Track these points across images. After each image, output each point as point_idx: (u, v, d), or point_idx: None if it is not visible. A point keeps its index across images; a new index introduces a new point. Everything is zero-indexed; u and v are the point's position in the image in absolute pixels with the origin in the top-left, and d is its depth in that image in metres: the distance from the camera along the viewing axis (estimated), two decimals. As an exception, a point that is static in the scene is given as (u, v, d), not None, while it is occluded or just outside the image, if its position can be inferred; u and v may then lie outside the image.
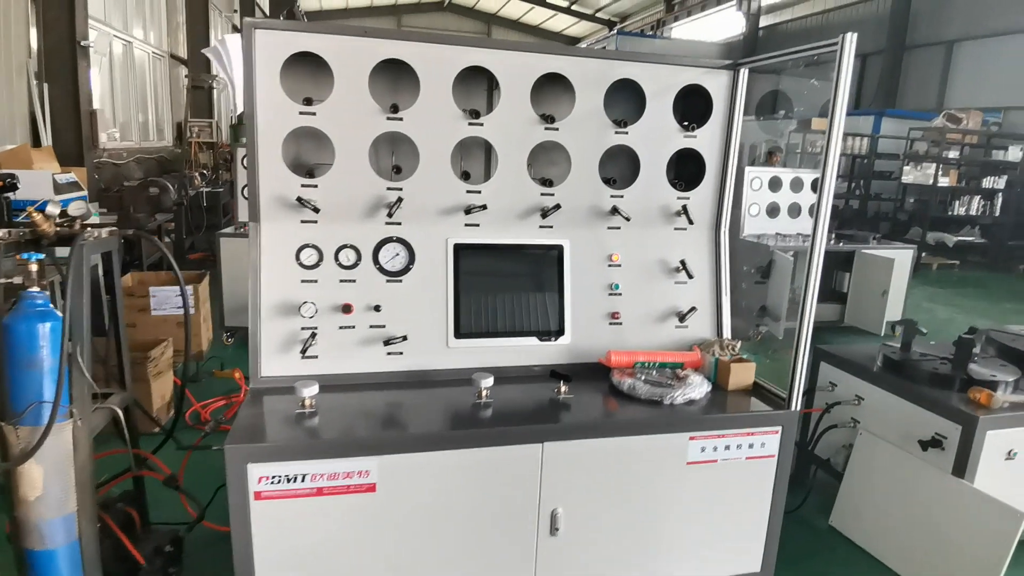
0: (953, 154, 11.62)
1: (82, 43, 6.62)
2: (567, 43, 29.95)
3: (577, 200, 2.77)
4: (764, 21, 22.91)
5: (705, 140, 2.86)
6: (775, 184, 6.92)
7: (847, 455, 3.35)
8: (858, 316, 6.72)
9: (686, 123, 2.82)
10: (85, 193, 6.75)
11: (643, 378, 2.59)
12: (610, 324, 2.81)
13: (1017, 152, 11.92)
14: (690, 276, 2.86)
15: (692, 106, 2.88)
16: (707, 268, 2.92)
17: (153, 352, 3.94)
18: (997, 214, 12.02)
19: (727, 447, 2.46)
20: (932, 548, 2.88)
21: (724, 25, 24.01)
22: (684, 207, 2.85)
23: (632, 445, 2.37)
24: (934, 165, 11.34)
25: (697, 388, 2.55)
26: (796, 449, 3.46)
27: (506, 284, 2.73)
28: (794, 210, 7.04)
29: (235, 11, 16.35)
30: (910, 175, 11.67)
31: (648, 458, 2.41)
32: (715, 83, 2.82)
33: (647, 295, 2.85)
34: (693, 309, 2.87)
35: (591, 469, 2.36)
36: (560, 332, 2.74)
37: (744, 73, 2.81)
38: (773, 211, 6.94)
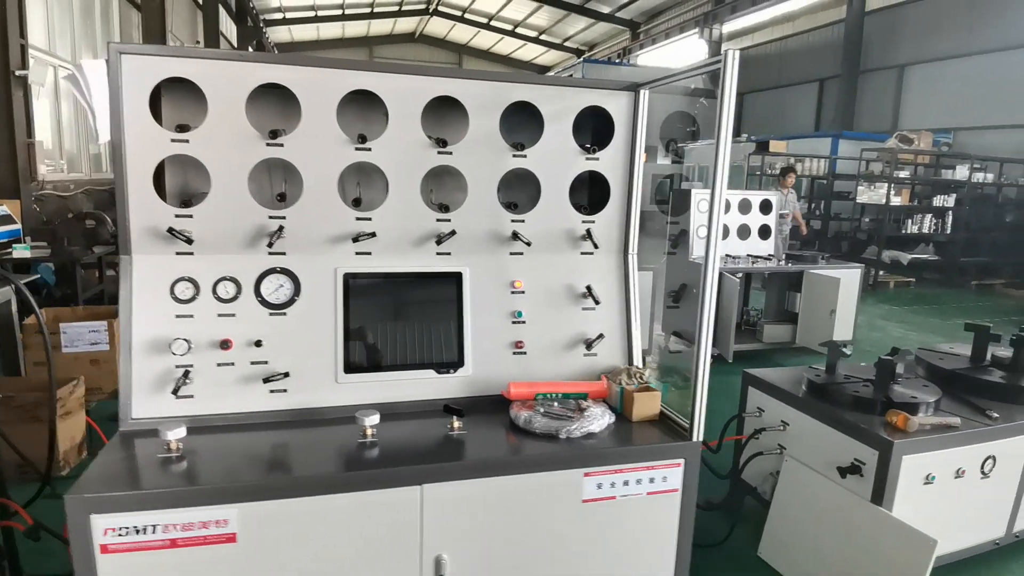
0: (904, 173, 11.76)
1: (17, 73, 6.45)
2: (537, 71, 30.27)
3: (476, 225, 2.65)
4: (726, 47, 23.27)
5: (608, 163, 2.77)
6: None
7: (774, 483, 3.23)
8: (808, 336, 6.66)
9: (587, 146, 2.72)
10: (18, 226, 6.54)
11: (542, 411, 2.45)
12: (514, 354, 2.68)
13: (965, 171, 12.09)
14: (597, 302, 2.74)
15: (598, 130, 2.80)
16: (615, 293, 2.81)
17: (60, 392, 3.74)
18: (949, 231, 12.15)
19: (626, 483, 2.32)
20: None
21: (688, 52, 24.39)
22: (588, 231, 2.74)
23: (523, 484, 2.22)
24: (886, 184, 11.46)
25: (597, 420, 2.42)
26: (729, 478, 3.33)
27: (400, 314, 2.59)
28: (744, 231, 7.02)
29: (197, 42, 16.25)
30: (864, 195, 11.78)
31: (541, 497, 2.26)
32: (616, 105, 2.73)
33: (553, 323, 2.73)
34: (601, 336, 2.75)
35: (478, 511, 2.20)
36: (459, 363, 2.60)
37: (645, 95, 2.72)
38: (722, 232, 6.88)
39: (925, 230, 12.15)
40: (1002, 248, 12.37)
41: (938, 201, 12.11)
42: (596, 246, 2.76)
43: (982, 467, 2.88)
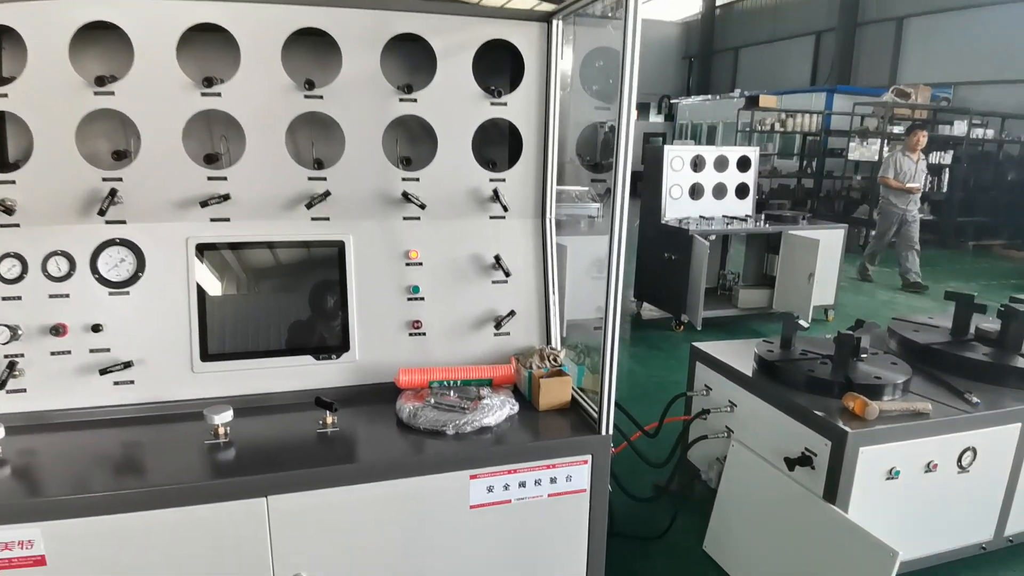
0: (899, 129, 11.20)
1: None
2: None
3: (359, 185, 2.24)
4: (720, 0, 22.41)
5: (518, 109, 2.34)
6: (698, 163, 6.42)
7: (720, 469, 2.87)
8: (786, 302, 6.26)
9: (492, 88, 2.29)
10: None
11: (433, 402, 2.07)
12: (411, 335, 2.29)
13: (963, 126, 11.52)
14: (507, 274, 2.34)
15: (509, 69, 2.37)
16: (531, 264, 2.41)
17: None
18: (945, 190, 11.63)
19: (522, 484, 1.96)
20: (802, 584, 2.41)
21: (682, 5, 23.50)
22: (496, 191, 2.33)
23: (395, 490, 1.86)
24: (879, 141, 10.91)
25: (495, 412, 2.04)
26: (663, 466, 2.97)
27: (269, 292, 2.20)
28: (719, 190, 6.56)
29: None
30: (856, 151, 11.24)
31: (420, 505, 1.89)
32: (525, 38, 2.29)
33: (456, 299, 2.33)
34: (512, 313, 2.35)
35: (340, 524, 1.84)
36: (344, 348, 2.22)
37: (559, 25, 2.28)
38: (696, 192, 6.45)
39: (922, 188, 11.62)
40: (1001, 207, 11.86)
41: (934, 158, 11.53)
42: (506, 209, 2.35)
43: (959, 460, 2.51)
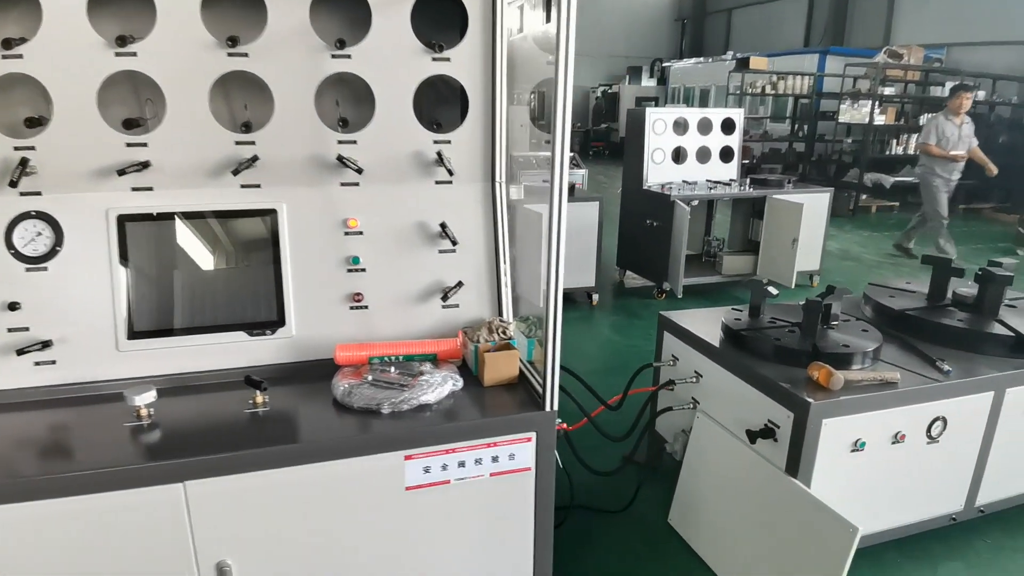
0: (891, 91, 10.96)
1: None
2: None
3: (291, 149, 2.09)
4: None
5: (463, 65, 2.18)
6: (681, 126, 6.24)
7: (686, 441, 2.78)
8: (770, 268, 6.14)
9: (434, 43, 2.13)
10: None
11: (371, 379, 1.96)
12: (351, 309, 2.17)
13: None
14: (454, 243, 2.21)
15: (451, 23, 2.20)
16: (481, 232, 2.27)
17: None
18: (936, 152, 11.40)
19: (461, 464, 1.85)
20: (764, 558, 2.33)
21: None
22: (440, 154, 2.18)
23: (325, 473, 1.75)
24: (870, 102, 10.67)
25: (436, 388, 1.93)
26: (639, 433, 2.87)
27: (198, 265, 2.06)
28: (703, 154, 6.39)
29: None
30: (846, 114, 11.01)
31: (352, 488, 1.79)
32: (467, -12, 2.13)
33: (400, 269, 2.20)
34: (459, 284, 2.23)
35: (268, 509, 1.74)
36: (279, 323, 2.10)
37: (504, -27, 2.11)
38: (679, 156, 6.28)
39: (911, 151, 11.41)
40: (992, 171, 11.64)
41: (924, 120, 11.32)
42: (451, 173, 2.21)
43: (928, 430, 2.41)
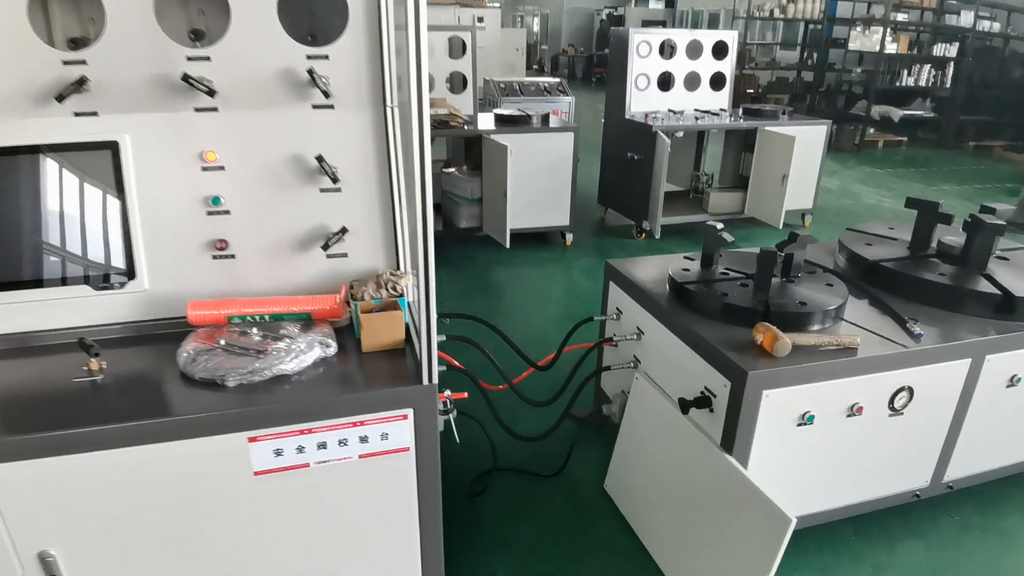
0: (903, 17, 10.16)
1: None
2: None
3: (130, 68, 1.71)
4: None
5: (341, -37, 1.77)
6: (668, 50, 5.70)
7: (624, 402, 2.49)
8: (758, 206, 5.72)
9: (300, -66, 1.72)
10: None
11: (223, 343, 1.66)
12: (215, 258, 1.84)
13: (970, 18, 10.42)
14: (334, 179, 1.85)
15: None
16: (371, 167, 1.91)
17: None
18: (948, 85, 10.68)
19: (321, 445, 1.57)
20: (695, 538, 2.07)
21: None
22: (312, 72, 1.79)
23: (157, 456, 1.47)
24: (882, 29, 9.90)
25: (298, 356, 1.62)
26: (549, 404, 2.57)
27: (30, 209, 1.72)
28: (692, 81, 5.87)
29: None
30: (857, 40, 10.24)
31: (191, 473, 1.51)
32: None
33: (273, 212, 1.86)
34: (343, 231, 1.89)
35: (92, 495, 1.47)
36: (129, 274, 1.78)
37: None
38: (665, 82, 5.77)
39: (923, 83, 10.70)
40: (1005, 107, 10.89)
41: (938, 50, 10.54)
42: (328, 95, 1.83)
43: (891, 402, 2.10)
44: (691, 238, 5.73)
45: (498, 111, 5.54)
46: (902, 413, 2.14)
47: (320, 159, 1.82)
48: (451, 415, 1.74)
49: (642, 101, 5.70)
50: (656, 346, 2.35)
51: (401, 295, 1.81)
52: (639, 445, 2.39)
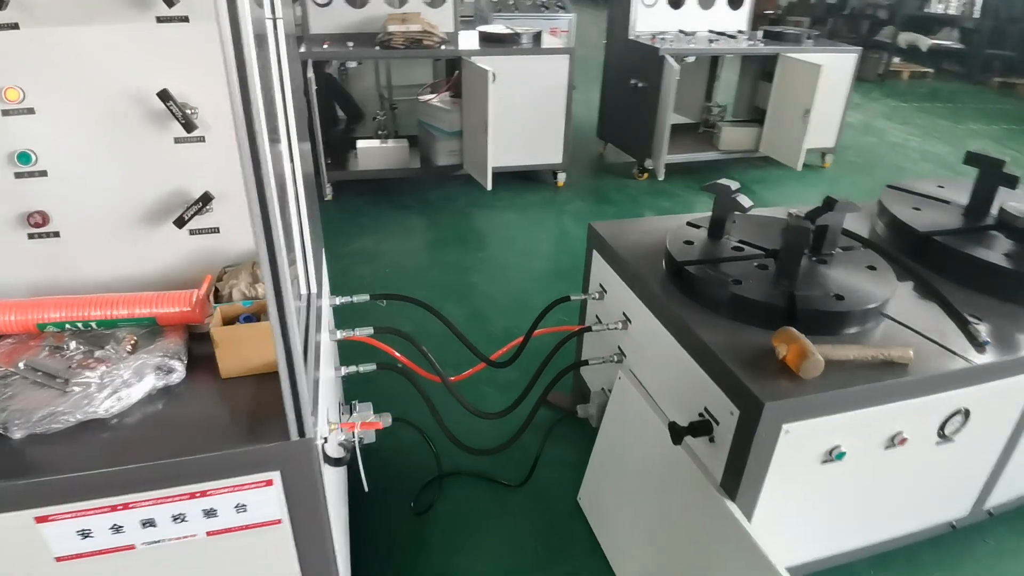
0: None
1: None
2: None
3: None
4: None
5: None
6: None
7: (603, 403, 2.00)
8: (775, 143, 5.06)
9: None
10: None
11: (23, 365, 1.15)
12: (31, 238, 1.31)
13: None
14: (187, 126, 1.29)
15: None
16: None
17: None
18: (977, 15, 9.62)
19: (146, 523, 1.08)
20: (681, 591, 1.62)
21: None
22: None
23: None
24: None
25: (118, 392, 1.12)
26: (507, 413, 2.06)
27: None
28: (707, -1, 5.10)
29: None
30: (887, -44, 9.15)
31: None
32: None
33: (110, 171, 1.31)
34: (206, 199, 1.34)
35: None
36: (-99, 259, 1.26)
37: None
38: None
39: (952, 11, 9.66)
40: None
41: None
42: (171, 3, 1.24)
43: (941, 428, 1.60)
44: (698, 178, 5.10)
45: (483, 29, 4.81)
46: (952, 440, 1.64)
47: (166, 96, 1.25)
48: (357, 448, 1.26)
49: (649, 19, 4.95)
50: (645, 341, 1.83)
51: (284, 293, 1.28)
52: (618, 458, 1.91)
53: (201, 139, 1.32)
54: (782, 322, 1.54)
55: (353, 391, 2.27)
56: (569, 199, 4.63)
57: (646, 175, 5.02)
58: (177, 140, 1.32)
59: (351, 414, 1.74)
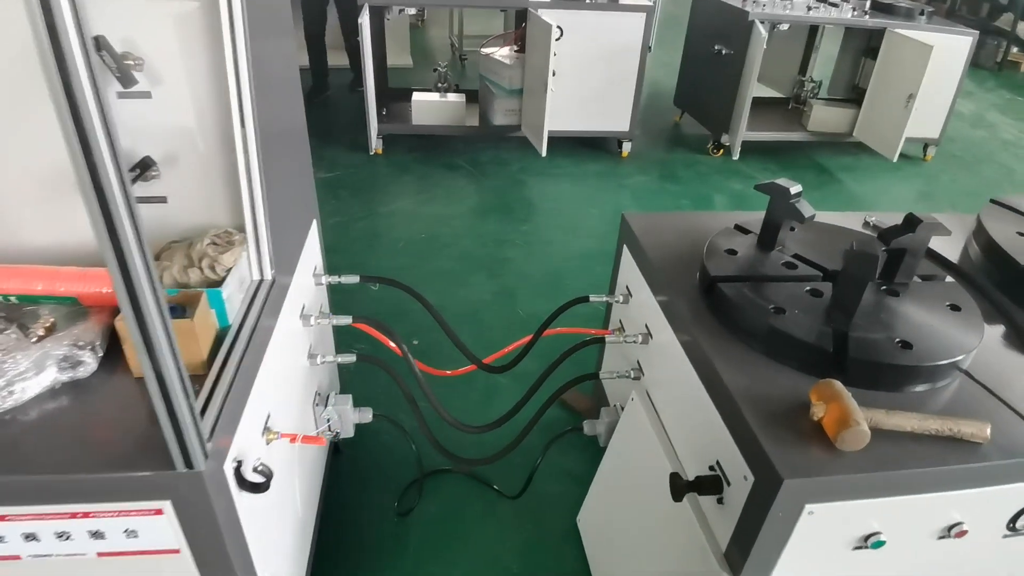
0: None
1: None
2: None
3: None
4: None
5: None
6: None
7: (613, 423, 1.75)
8: (871, 129, 4.50)
9: None
10: None
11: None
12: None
13: None
14: (125, 80, 1.10)
15: None
16: (197, 56, 1.14)
17: None
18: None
19: (30, 536, 0.94)
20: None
21: None
22: None
23: None
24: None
25: (12, 385, 0.97)
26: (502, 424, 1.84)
27: None
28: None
29: None
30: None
31: None
32: None
33: (34, 125, 1.14)
34: (144, 166, 1.16)
35: None
36: None
37: None
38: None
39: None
40: None
41: None
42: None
43: (1012, 520, 1.27)
44: (779, 160, 4.63)
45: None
46: (1021, 533, 1.32)
47: (98, 46, 1.06)
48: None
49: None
50: (664, 364, 1.56)
51: (221, 281, 1.10)
52: (622, 488, 1.68)
53: (147, 95, 1.13)
54: (827, 370, 1.25)
55: (352, 383, 2.11)
56: (631, 172, 4.28)
57: (721, 152, 4.58)
58: (120, 95, 1.13)
59: (325, 407, 1.58)
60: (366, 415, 1.65)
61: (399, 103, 4.41)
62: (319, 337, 1.66)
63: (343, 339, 1.93)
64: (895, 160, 4.30)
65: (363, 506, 1.87)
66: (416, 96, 4.24)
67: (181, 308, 1.06)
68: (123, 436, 0.95)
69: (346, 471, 1.96)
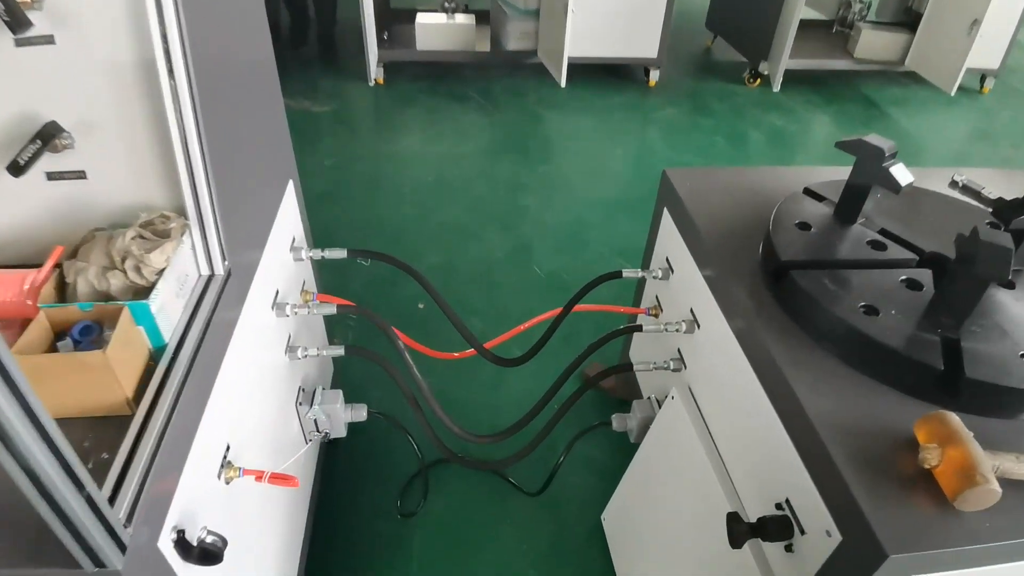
0: None
1: None
2: None
3: None
4: None
5: None
6: None
7: (647, 419, 1.51)
8: (926, 57, 4.03)
9: None
10: None
11: None
12: None
13: None
14: (16, 26, 0.79)
15: None
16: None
17: None
18: None
19: None
20: None
21: None
22: None
23: None
24: None
25: None
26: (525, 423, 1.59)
27: None
28: None
29: None
30: None
31: None
32: None
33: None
34: (47, 136, 0.86)
35: None
36: None
37: None
38: None
39: None
40: None
41: None
42: None
43: None
44: (821, 91, 4.19)
45: None
46: None
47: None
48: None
49: None
50: (715, 360, 1.30)
51: (150, 286, 0.83)
52: (656, 495, 1.45)
53: (48, 39, 0.83)
54: (933, 391, 0.98)
55: (349, 366, 1.86)
56: (660, 104, 3.88)
57: (758, 81, 4.15)
58: (20, 43, 0.83)
59: (311, 405, 1.34)
60: (360, 413, 1.41)
61: (401, 25, 3.99)
62: (302, 325, 1.41)
63: (337, 320, 1.67)
64: (952, 93, 3.85)
65: (360, 507, 1.67)
66: (420, 18, 3.80)
67: (98, 327, 0.80)
68: (16, 514, 0.71)
69: (341, 465, 1.75)
